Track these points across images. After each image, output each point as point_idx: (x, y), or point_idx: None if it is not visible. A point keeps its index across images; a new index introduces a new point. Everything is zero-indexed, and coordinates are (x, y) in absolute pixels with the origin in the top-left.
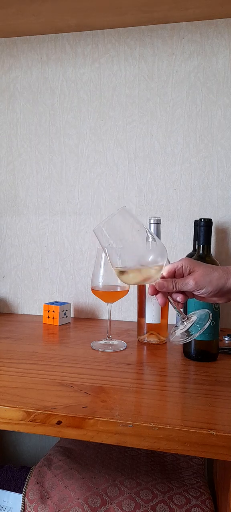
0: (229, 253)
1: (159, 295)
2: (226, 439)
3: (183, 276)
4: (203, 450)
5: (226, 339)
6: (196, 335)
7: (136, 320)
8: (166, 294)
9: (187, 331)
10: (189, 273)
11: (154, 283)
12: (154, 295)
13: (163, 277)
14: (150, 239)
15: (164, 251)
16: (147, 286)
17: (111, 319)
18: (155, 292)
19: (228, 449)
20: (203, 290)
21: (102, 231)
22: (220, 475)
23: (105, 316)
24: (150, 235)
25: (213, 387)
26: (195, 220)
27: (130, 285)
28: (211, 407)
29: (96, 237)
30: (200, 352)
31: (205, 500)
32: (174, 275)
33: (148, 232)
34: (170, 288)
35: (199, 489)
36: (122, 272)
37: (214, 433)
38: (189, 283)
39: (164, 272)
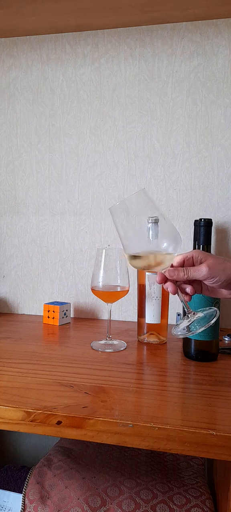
0: (229, 253)
1: (169, 283)
2: (226, 439)
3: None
4: (203, 450)
5: (226, 339)
6: (200, 330)
7: (136, 320)
8: (174, 283)
9: (191, 326)
10: (201, 263)
11: (163, 271)
12: (162, 283)
13: (172, 266)
14: (165, 225)
15: (178, 239)
16: (147, 283)
17: (111, 319)
18: (164, 280)
19: (228, 449)
20: (216, 279)
21: (118, 211)
22: (220, 475)
23: (105, 316)
24: (165, 221)
25: (213, 387)
26: (195, 220)
27: (138, 270)
28: (211, 407)
29: (112, 217)
30: (200, 352)
31: (205, 500)
32: (183, 265)
33: (163, 218)
34: (181, 276)
35: (199, 489)
36: (133, 256)
37: (214, 433)
38: (203, 270)
39: (174, 261)
